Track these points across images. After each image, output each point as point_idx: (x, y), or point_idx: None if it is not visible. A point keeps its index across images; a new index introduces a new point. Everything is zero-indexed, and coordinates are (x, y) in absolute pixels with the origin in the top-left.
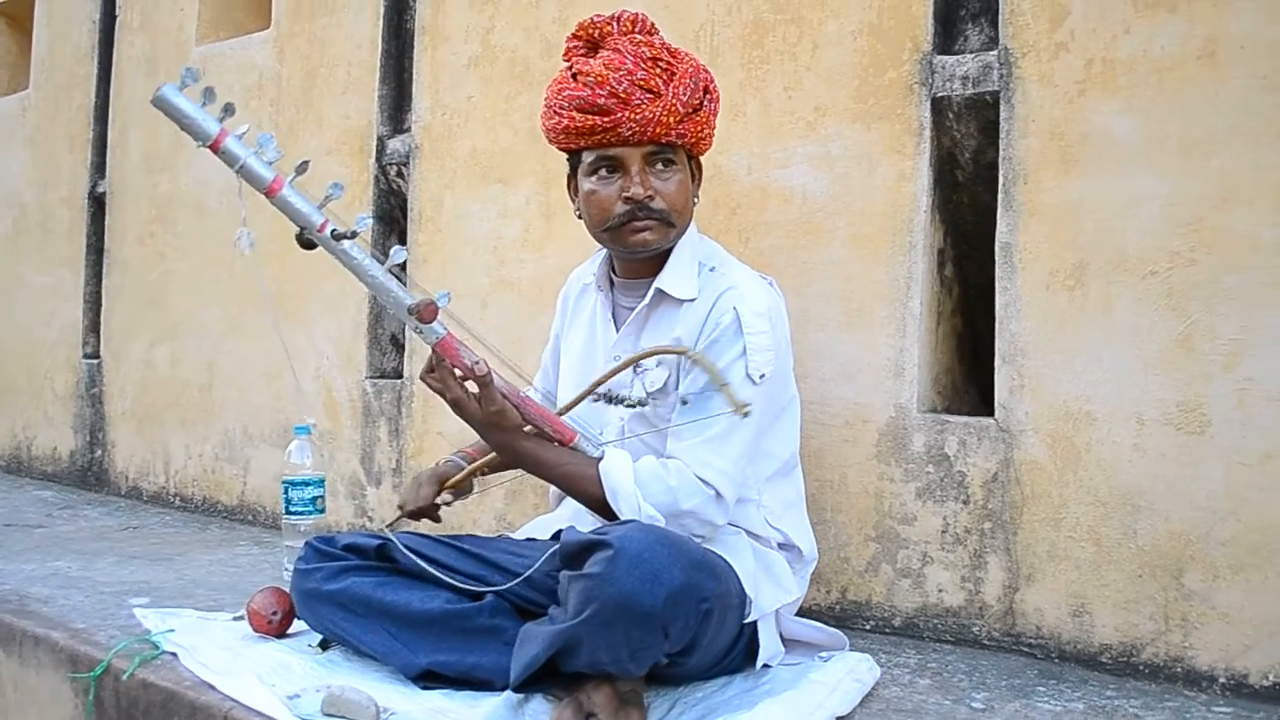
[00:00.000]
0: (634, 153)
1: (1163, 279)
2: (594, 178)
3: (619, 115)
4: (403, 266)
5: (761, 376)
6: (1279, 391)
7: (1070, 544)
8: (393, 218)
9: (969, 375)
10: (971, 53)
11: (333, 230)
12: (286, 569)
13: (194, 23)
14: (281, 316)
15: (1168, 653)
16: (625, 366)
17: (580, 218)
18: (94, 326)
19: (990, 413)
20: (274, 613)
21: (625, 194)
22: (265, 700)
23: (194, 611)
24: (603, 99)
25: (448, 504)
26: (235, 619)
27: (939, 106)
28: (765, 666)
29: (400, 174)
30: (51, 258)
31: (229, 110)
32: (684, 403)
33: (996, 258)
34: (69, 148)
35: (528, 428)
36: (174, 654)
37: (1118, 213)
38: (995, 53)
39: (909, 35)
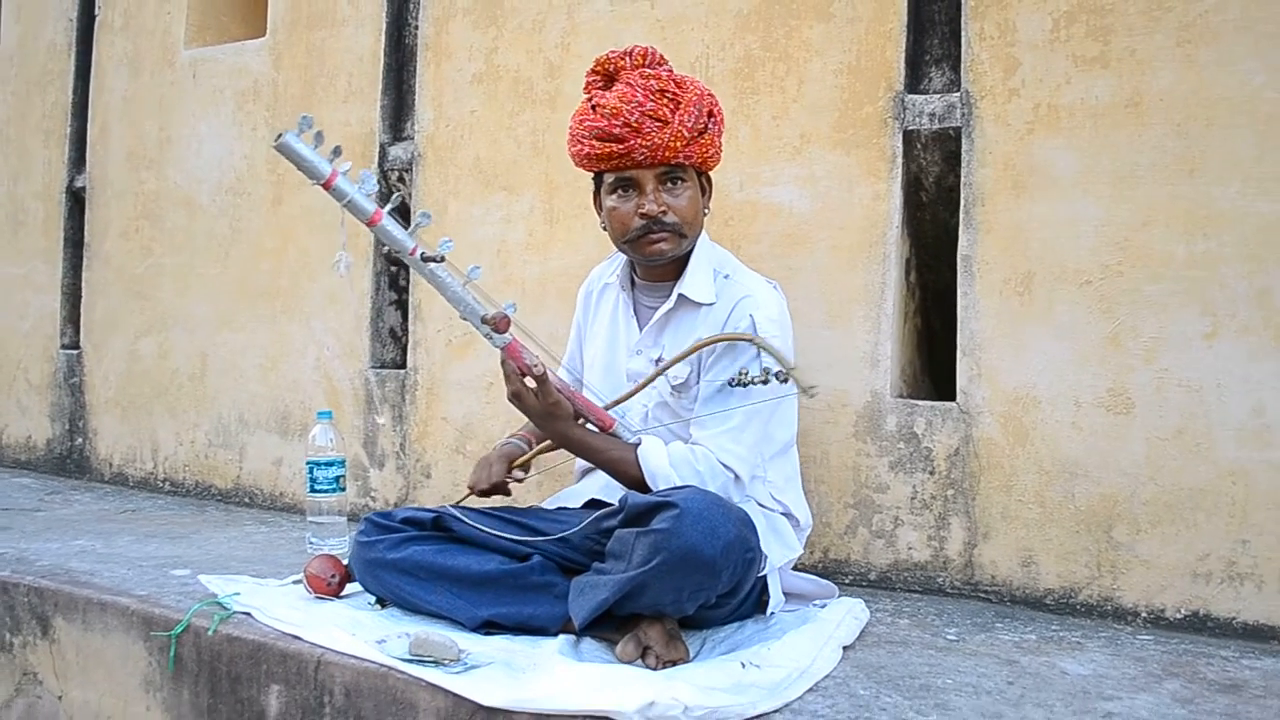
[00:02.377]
0: (647, 174)
1: (1096, 287)
2: (614, 196)
3: (632, 143)
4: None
5: (777, 374)
6: (1188, 379)
7: (1020, 506)
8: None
9: (925, 367)
10: (935, 93)
11: (422, 254)
12: (311, 542)
13: (181, 26)
14: (278, 310)
15: (1100, 594)
16: (690, 354)
17: (605, 229)
18: (71, 318)
19: (950, 398)
20: (332, 576)
21: (641, 210)
22: (355, 645)
23: (249, 578)
24: (617, 129)
25: (519, 480)
26: (294, 582)
27: (909, 138)
28: (771, 614)
29: (401, 179)
30: (23, 250)
31: (337, 152)
32: (736, 383)
33: (958, 268)
34: (43, 143)
35: (578, 419)
36: (247, 613)
37: (1059, 232)
38: (958, 94)
39: (883, 76)
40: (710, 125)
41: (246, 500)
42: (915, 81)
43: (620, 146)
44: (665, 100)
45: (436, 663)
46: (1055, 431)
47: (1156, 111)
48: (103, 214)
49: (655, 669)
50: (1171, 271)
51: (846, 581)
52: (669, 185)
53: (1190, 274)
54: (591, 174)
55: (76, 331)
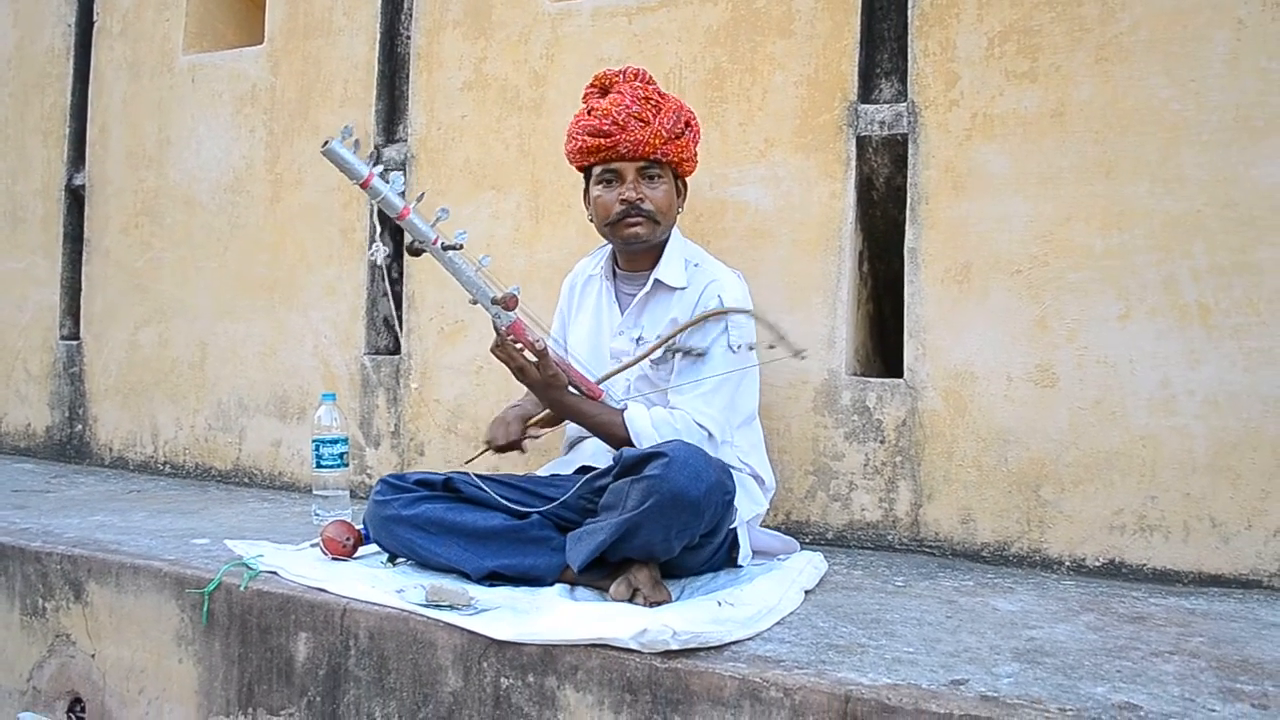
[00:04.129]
0: (629, 166)
1: (1025, 276)
2: (600, 186)
3: (617, 137)
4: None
5: (739, 347)
6: (1105, 356)
7: (959, 470)
8: (386, 216)
9: (876, 348)
10: (885, 103)
11: (442, 243)
12: (317, 514)
13: (179, 33)
14: (276, 301)
15: (1029, 546)
16: (675, 335)
17: (591, 220)
18: (70, 310)
19: (898, 375)
20: (347, 539)
21: (622, 197)
22: (377, 595)
23: (269, 543)
24: (606, 126)
25: (535, 438)
26: (311, 546)
27: (861, 143)
28: (740, 566)
29: None
30: (22, 246)
31: (373, 157)
32: (698, 355)
33: (905, 259)
34: (42, 142)
35: (570, 388)
36: (273, 572)
37: (994, 227)
38: (905, 104)
39: (839, 87)
40: (686, 132)
41: (246, 480)
42: (867, 92)
43: (607, 141)
44: (649, 106)
45: (451, 607)
46: (990, 404)
47: (1078, 120)
48: (102, 210)
49: (644, 607)
50: (1091, 261)
51: (807, 540)
52: (647, 179)
53: (1107, 263)
54: (583, 173)
55: (76, 323)
